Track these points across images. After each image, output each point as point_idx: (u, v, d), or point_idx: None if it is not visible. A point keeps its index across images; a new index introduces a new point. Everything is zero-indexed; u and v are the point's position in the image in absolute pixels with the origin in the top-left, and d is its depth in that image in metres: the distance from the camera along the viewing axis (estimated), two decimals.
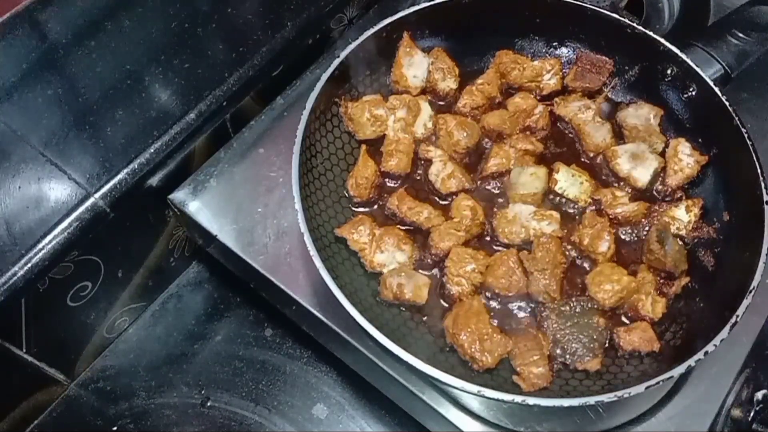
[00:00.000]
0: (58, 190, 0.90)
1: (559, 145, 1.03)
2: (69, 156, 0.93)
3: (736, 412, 0.90)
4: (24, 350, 0.94)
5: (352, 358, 0.97)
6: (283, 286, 0.93)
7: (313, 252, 0.81)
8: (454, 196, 0.95)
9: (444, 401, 0.87)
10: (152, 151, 0.95)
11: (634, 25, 1.00)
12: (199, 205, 1.00)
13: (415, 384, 0.88)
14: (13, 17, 1.03)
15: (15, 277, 0.84)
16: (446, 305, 0.88)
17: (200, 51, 1.04)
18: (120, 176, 0.93)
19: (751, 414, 0.91)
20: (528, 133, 1.02)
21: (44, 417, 1.04)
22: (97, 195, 0.91)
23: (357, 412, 1.05)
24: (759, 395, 0.93)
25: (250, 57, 1.05)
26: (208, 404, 1.05)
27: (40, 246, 0.86)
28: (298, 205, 0.84)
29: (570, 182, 0.95)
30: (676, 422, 0.86)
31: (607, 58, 1.05)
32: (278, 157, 1.03)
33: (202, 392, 1.06)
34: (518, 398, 0.75)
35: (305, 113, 0.91)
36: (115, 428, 1.03)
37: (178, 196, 1.01)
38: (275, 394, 1.06)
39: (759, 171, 0.88)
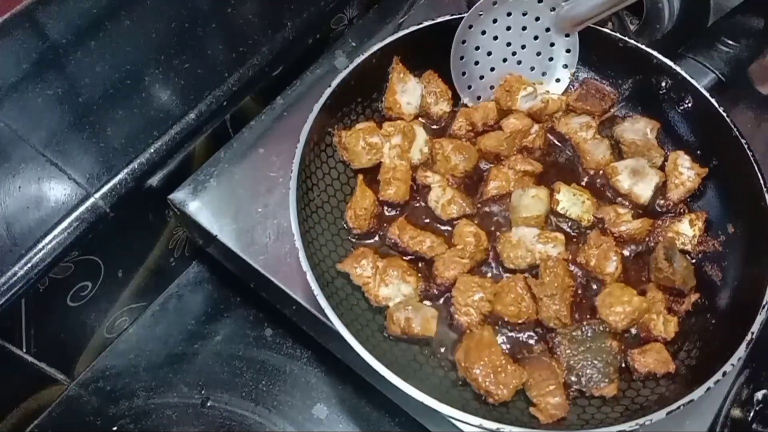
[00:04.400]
0: (58, 190, 0.90)
1: (557, 164, 1.02)
2: (69, 156, 0.93)
3: (736, 412, 0.90)
4: (24, 350, 0.94)
5: (352, 358, 0.96)
6: (283, 286, 0.93)
7: (317, 291, 0.79)
8: (455, 222, 0.93)
9: None
10: (152, 151, 0.96)
11: (626, 39, 0.99)
12: (199, 205, 1.00)
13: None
14: (13, 17, 1.03)
15: (15, 277, 0.84)
16: (455, 336, 0.87)
17: (200, 51, 1.04)
18: (120, 176, 0.93)
19: (751, 414, 0.91)
20: (525, 153, 1.00)
21: (44, 417, 1.04)
22: (97, 195, 0.91)
23: (357, 412, 1.05)
24: (759, 395, 0.93)
25: (250, 57, 1.05)
26: (208, 404, 1.05)
27: (40, 246, 0.86)
28: (298, 243, 0.83)
29: (572, 201, 0.94)
30: (676, 422, 0.86)
31: (612, 90, 1.03)
32: (278, 158, 1.03)
33: (202, 392, 1.06)
34: None
35: (300, 146, 0.89)
36: (115, 428, 1.03)
37: (178, 196, 1.01)
38: (275, 394, 1.06)
39: (762, 181, 0.87)
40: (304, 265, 0.81)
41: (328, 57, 1.14)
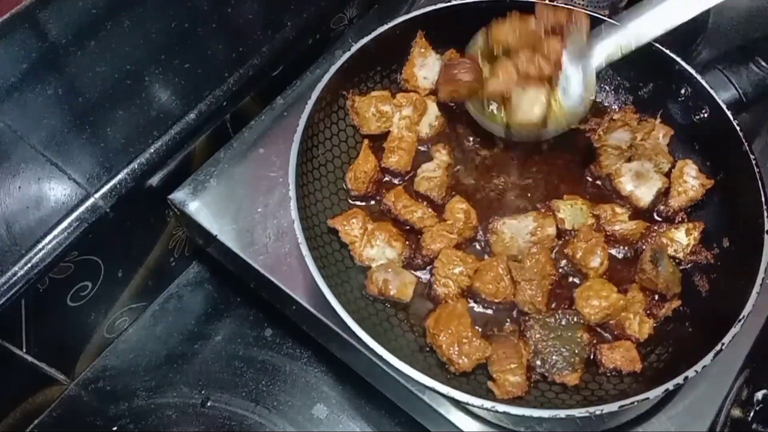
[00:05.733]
0: (58, 190, 0.90)
1: (562, 162, 1.01)
2: (69, 156, 0.93)
3: (736, 412, 0.90)
4: (24, 350, 0.94)
5: (352, 358, 0.97)
6: (283, 286, 0.93)
7: (301, 239, 0.82)
8: (434, 201, 0.95)
9: (444, 401, 0.87)
10: (152, 151, 0.96)
11: (652, 42, 0.98)
12: (199, 205, 1.00)
13: (415, 384, 0.87)
14: (13, 17, 1.03)
15: (15, 277, 0.84)
16: (431, 306, 0.88)
17: (200, 51, 1.04)
18: (120, 176, 0.93)
19: (751, 414, 0.91)
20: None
21: (44, 417, 1.04)
22: (97, 195, 0.91)
23: (357, 412, 1.05)
24: (759, 395, 0.93)
25: (250, 57, 1.05)
26: (208, 404, 1.05)
27: (40, 246, 0.86)
28: (292, 192, 0.85)
29: (573, 213, 0.94)
30: (676, 422, 0.86)
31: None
32: (278, 157, 1.03)
33: (202, 392, 1.06)
34: (488, 404, 0.75)
35: (310, 102, 0.92)
36: (115, 428, 1.03)
37: (178, 196, 1.01)
38: (275, 394, 1.06)
39: (763, 199, 0.86)
40: (294, 213, 0.84)
41: (328, 57, 1.14)
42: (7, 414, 0.99)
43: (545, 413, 0.75)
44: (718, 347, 0.77)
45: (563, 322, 0.85)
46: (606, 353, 0.84)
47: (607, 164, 0.98)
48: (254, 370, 1.08)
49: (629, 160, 0.98)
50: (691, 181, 0.95)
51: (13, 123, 0.94)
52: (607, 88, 1.07)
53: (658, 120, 0.99)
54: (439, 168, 0.96)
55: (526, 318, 0.87)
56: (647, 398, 0.75)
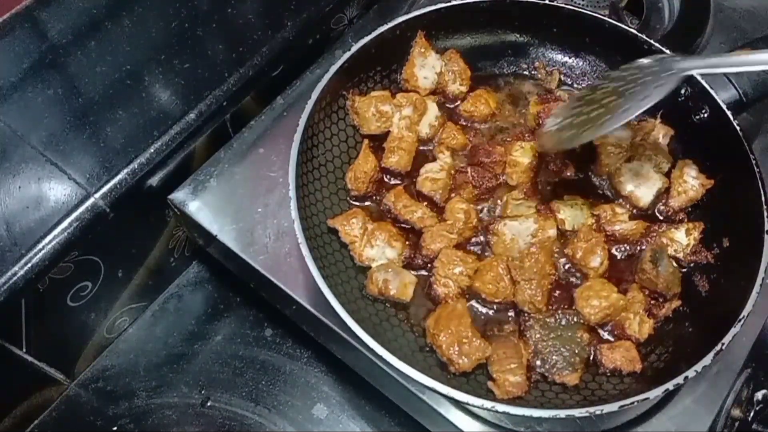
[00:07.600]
0: (58, 190, 0.90)
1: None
2: (69, 156, 0.93)
3: (736, 412, 0.90)
4: (24, 350, 0.94)
5: (352, 358, 0.97)
6: (283, 286, 0.93)
7: (301, 239, 0.82)
8: (435, 201, 0.95)
9: (444, 401, 0.87)
10: (152, 151, 0.96)
11: (652, 42, 0.99)
12: (199, 205, 1.00)
13: (415, 384, 0.87)
14: (13, 17, 1.03)
15: (15, 277, 0.84)
16: (431, 306, 0.89)
17: (200, 51, 1.04)
18: (120, 176, 0.93)
19: (751, 414, 0.91)
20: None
21: (44, 417, 1.04)
22: (97, 195, 0.91)
23: (357, 412, 1.05)
24: (759, 395, 0.93)
25: (250, 57, 1.05)
26: (208, 404, 1.05)
27: (40, 246, 0.86)
28: (292, 192, 0.85)
29: (574, 214, 0.94)
30: (676, 422, 0.86)
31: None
32: (278, 157, 1.03)
33: (202, 392, 1.06)
34: (488, 404, 0.75)
35: (310, 102, 0.92)
36: (115, 428, 1.03)
37: (178, 196, 1.01)
38: (275, 394, 1.06)
39: (763, 199, 0.86)
40: (294, 213, 0.84)
41: (328, 57, 1.14)
42: (7, 414, 0.99)
43: (545, 413, 0.75)
44: (718, 347, 0.77)
45: (563, 322, 0.86)
46: (606, 353, 0.84)
47: (607, 164, 0.98)
48: (254, 370, 1.08)
49: (629, 160, 0.98)
50: (691, 181, 0.95)
51: (13, 123, 0.94)
52: None
53: (658, 120, 0.99)
54: (442, 169, 0.96)
55: (526, 318, 0.87)
56: (647, 398, 0.76)
